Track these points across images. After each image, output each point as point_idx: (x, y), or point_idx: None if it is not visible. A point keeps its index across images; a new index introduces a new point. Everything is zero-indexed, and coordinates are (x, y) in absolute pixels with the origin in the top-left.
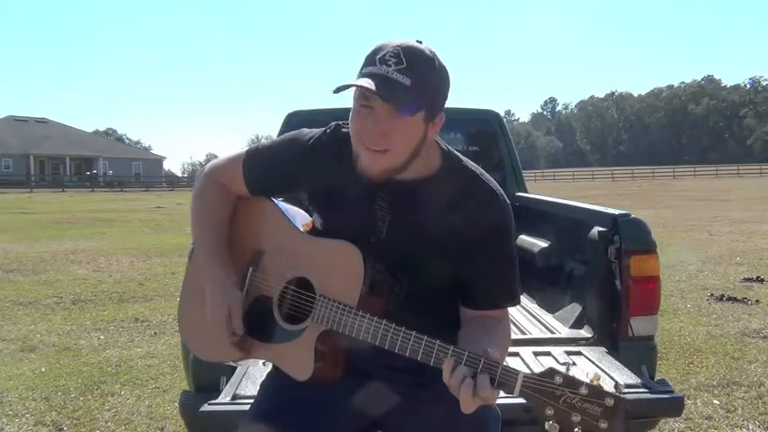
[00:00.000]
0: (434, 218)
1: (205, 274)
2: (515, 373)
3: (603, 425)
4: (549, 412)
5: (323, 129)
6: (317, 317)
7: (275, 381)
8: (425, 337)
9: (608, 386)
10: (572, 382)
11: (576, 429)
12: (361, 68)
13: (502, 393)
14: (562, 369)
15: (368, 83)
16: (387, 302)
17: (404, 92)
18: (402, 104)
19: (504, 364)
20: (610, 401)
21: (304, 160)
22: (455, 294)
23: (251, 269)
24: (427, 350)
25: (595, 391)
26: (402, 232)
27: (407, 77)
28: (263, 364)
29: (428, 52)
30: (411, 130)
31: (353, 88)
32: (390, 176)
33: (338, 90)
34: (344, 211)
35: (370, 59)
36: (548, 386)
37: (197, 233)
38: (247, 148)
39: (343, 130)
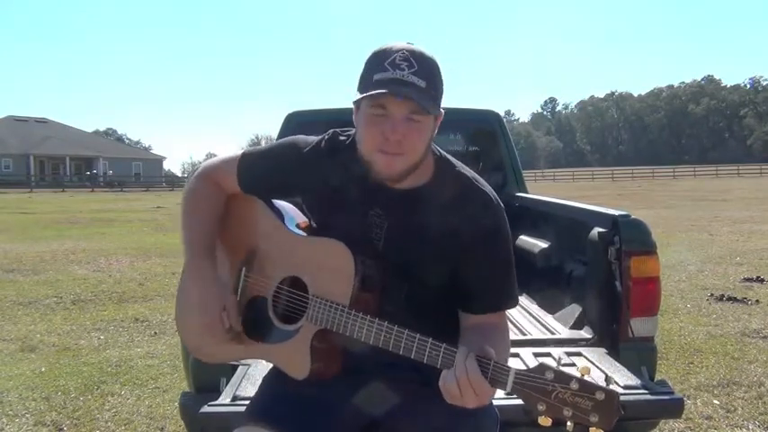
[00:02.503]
0: (430, 224)
1: (191, 273)
2: (507, 369)
3: (594, 418)
4: (542, 408)
5: (320, 137)
6: (311, 317)
7: (276, 377)
8: (418, 335)
9: (599, 380)
10: (563, 378)
11: (569, 423)
12: (369, 73)
13: (500, 393)
14: (553, 364)
15: (391, 88)
16: (379, 299)
17: (422, 93)
18: (425, 106)
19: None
20: (600, 395)
21: (299, 168)
22: (454, 301)
23: (244, 269)
24: (420, 347)
25: (586, 386)
26: (399, 239)
27: (422, 79)
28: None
29: (430, 54)
30: (426, 129)
31: (356, 98)
32: (405, 177)
33: (359, 100)
34: (340, 220)
35: (379, 65)
36: (539, 382)
37: (185, 232)
38: (243, 151)
39: (341, 137)
